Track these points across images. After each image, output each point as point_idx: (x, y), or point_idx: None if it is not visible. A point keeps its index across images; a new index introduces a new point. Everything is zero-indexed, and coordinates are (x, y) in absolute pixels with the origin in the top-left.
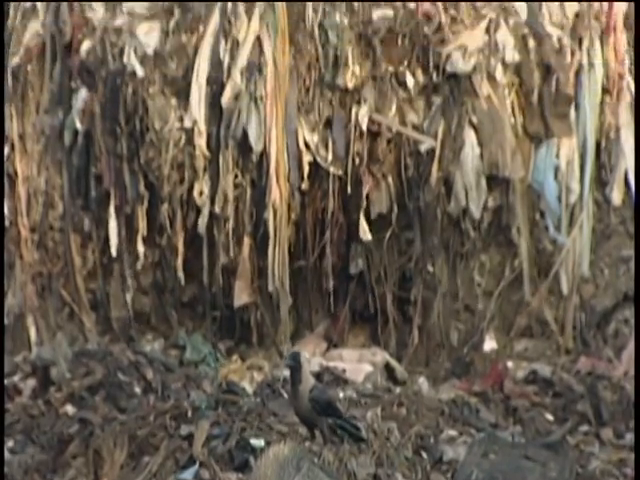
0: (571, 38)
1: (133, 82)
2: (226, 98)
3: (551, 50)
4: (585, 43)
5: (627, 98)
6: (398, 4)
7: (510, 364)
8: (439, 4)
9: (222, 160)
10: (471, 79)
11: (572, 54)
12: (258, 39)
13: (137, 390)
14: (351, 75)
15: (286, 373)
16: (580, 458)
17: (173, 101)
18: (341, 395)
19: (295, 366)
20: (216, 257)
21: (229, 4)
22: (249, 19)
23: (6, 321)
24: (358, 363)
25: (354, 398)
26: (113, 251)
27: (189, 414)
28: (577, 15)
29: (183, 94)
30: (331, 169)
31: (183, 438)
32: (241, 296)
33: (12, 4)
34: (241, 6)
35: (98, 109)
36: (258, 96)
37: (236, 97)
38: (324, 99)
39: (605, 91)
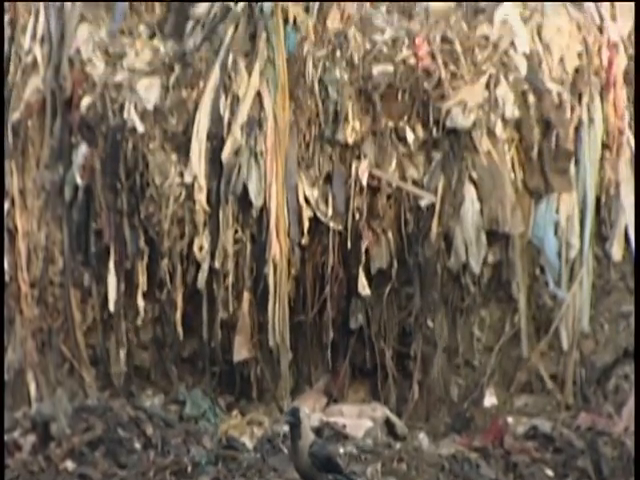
0: (571, 94)
1: (133, 137)
2: (226, 153)
3: (551, 106)
4: (585, 99)
5: (627, 154)
6: (398, 60)
7: (510, 419)
8: (439, 60)
9: (222, 215)
10: (471, 135)
11: (572, 110)
12: (258, 94)
13: (137, 446)
14: (351, 130)
15: (286, 428)
16: None
17: (173, 156)
18: (341, 450)
19: (294, 422)
20: (216, 312)
21: (229, 61)
22: (249, 74)
23: (6, 377)
24: (358, 418)
25: (354, 453)
26: (111, 306)
27: (189, 470)
28: (577, 71)
29: (183, 149)
30: (331, 224)
31: None
32: (241, 351)
33: (12, 62)
34: (241, 62)
35: (98, 164)
36: (258, 151)
37: (236, 152)
38: (324, 154)
39: (605, 146)
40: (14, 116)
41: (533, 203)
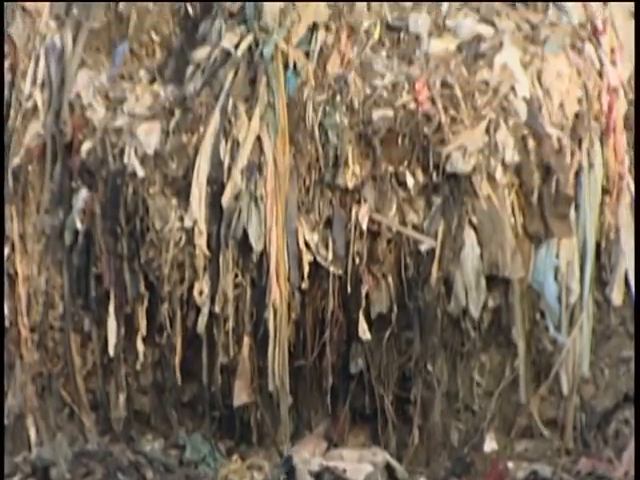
0: (571, 139)
1: (133, 182)
2: (226, 198)
3: (551, 150)
4: (585, 144)
5: (627, 198)
6: (398, 105)
7: (510, 464)
8: (439, 105)
9: (222, 260)
10: (471, 179)
11: (572, 154)
12: (258, 139)
13: None
14: (351, 175)
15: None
16: None
17: (173, 201)
18: None
19: (289, 470)
20: (216, 356)
21: (229, 105)
22: (249, 119)
23: (6, 421)
24: (358, 463)
25: None
26: (111, 351)
27: None
28: (577, 116)
29: (183, 194)
30: (331, 268)
31: None
32: (241, 396)
33: (12, 107)
34: (242, 106)
35: (98, 209)
36: (258, 196)
37: (236, 197)
38: (324, 199)
39: (605, 191)
40: (14, 161)
41: (533, 248)
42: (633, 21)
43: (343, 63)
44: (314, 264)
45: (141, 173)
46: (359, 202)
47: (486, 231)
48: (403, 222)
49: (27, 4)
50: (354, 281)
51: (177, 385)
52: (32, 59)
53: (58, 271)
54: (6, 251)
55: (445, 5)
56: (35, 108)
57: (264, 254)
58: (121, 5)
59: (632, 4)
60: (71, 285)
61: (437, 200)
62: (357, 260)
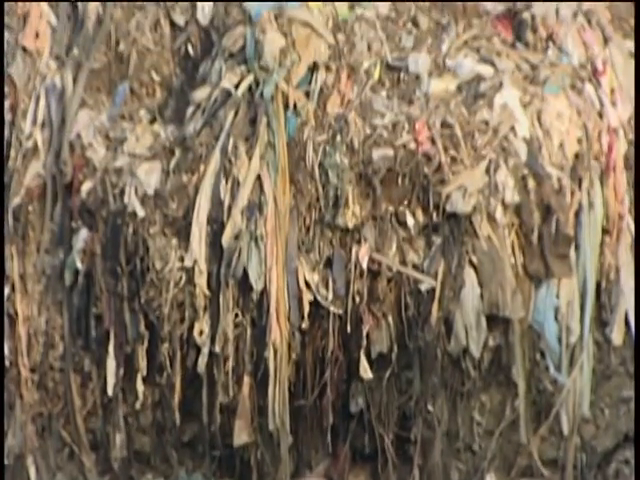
0: (571, 179)
1: (134, 222)
2: (226, 237)
3: (551, 191)
4: (585, 184)
5: (627, 239)
6: (398, 145)
7: None
8: (439, 144)
9: (222, 299)
10: (471, 219)
11: (572, 194)
12: (259, 179)
13: None
14: (351, 215)
15: None
16: None
17: (174, 241)
18: None
19: None
20: (216, 396)
21: (230, 145)
22: (250, 159)
23: (6, 461)
24: None
25: None
26: (110, 391)
27: None
28: (577, 156)
29: (184, 234)
30: (331, 308)
31: None
32: (241, 435)
33: (13, 147)
34: (242, 146)
35: (99, 249)
36: (258, 235)
37: (236, 236)
38: (324, 238)
39: (605, 231)
40: (15, 201)
41: (533, 288)
42: (633, 61)
43: (343, 103)
44: (314, 303)
45: (141, 213)
46: (359, 242)
47: (486, 271)
48: (403, 262)
49: (28, 45)
50: (354, 320)
51: (177, 425)
52: (32, 99)
53: (58, 311)
54: (6, 291)
55: (445, 45)
56: (35, 148)
57: (264, 294)
58: (121, 45)
59: (631, 44)
60: (71, 325)
61: (437, 240)
62: (357, 299)
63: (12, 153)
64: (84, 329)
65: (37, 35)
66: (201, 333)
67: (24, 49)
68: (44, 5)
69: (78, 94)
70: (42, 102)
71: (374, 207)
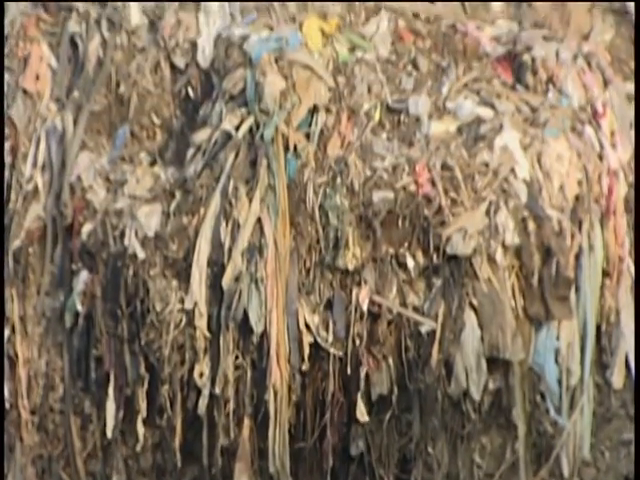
0: (571, 221)
1: (134, 264)
2: (227, 279)
3: (551, 233)
4: (585, 226)
5: (627, 281)
6: (398, 187)
7: None
8: (439, 187)
9: (223, 341)
10: (471, 261)
11: (572, 237)
12: (259, 221)
13: None
14: (351, 257)
15: None
16: None
17: (174, 283)
18: None
19: None
20: (216, 438)
21: (230, 187)
22: (250, 201)
23: None
24: None
25: None
26: (109, 433)
27: None
28: (577, 198)
29: (184, 276)
30: (332, 350)
31: None
32: (241, 477)
33: (13, 189)
34: (242, 188)
35: (99, 291)
36: (259, 277)
37: (237, 278)
38: (325, 280)
39: (605, 274)
40: (15, 243)
41: (534, 330)
42: (633, 104)
43: (343, 145)
44: (315, 345)
45: (142, 255)
46: (359, 284)
47: (486, 313)
48: (403, 304)
49: (28, 87)
50: (354, 362)
51: (178, 467)
52: (33, 141)
53: (58, 353)
54: (6, 333)
55: (445, 87)
56: (36, 190)
57: (265, 336)
58: (122, 87)
59: (631, 86)
60: (71, 367)
61: (437, 282)
62: (357, 341)
63: (12, 195)
64: (84, 371)
65: (37, 77)
66: (201, 375)
67: (25, 91)
68: (45, 47)
69: (78, 136)
70: (42, 144)
71: (374, 249)
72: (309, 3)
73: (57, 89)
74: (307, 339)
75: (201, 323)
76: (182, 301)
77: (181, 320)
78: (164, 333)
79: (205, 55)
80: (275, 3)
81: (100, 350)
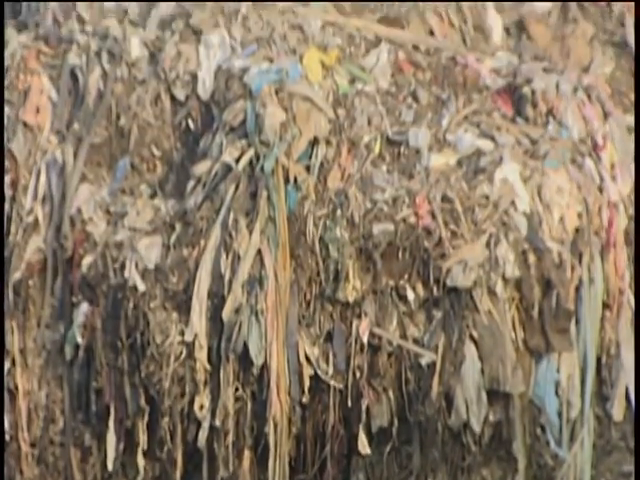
0: (571, 253)
1: (134, 296)
2: (227, 312)
3: (551, 265)
4: (585, 258)
5: (627, 313)
6: (398, 219)
7: None
8: (439, 219)
9: (223, 374)
10: (471, 294)
11: (572, 269)
12: (259, 253)
13: None
14: (352, 289)
15: None
16: None
17: (174, 315)
18: None
19: None
20: (216, 471)
21: (230, 219)
22: (250, 233)
23: None
24: None
25: None
26: (109, 465)
27: None
28: (577, 230)
29: (184, 308)
30: (332, 382)
31: None
32: None
33: (13, 222)
34: (242, 220)
35: (99, 323)
36: (259, 310)
37: (237, 311)
38: (325, 313)
39: (605, 306)
40: (15, 275)
41: (534, 362)
42: (633, 136)
43: (344, 177)
44: (315, 378)
45: (142, 287)
46: (360, 316)
47: (487, 345)
48: (404, 336)
49: (28, 120)
50: (355, 395)
51: None
52: (33, 174)
53: (58, 385)
54: (6, 365)
55: (445, 120)
56: (36, 223)
57: (265, 368)
58: (122, 119)
59: (632, 119)
60: (71, 399)
61: (438, 314)
62: (358, 374)
63: (13, 228)
64: (84, 403)
65: (38, 110)
66: (202, 407)
67: (25, 124)
68: (45, 80)
69: (79, 169)
70: (43, 177)
71: (374, 281)
72: (309, 36)
73: (57, 122)
74: (307, 371)
75: (201, 355)
76: (182, 333)
77: (181, 352)
78: (164, 365)
79: (205, 87)
80: (275, 35)
81: (100, 382)
